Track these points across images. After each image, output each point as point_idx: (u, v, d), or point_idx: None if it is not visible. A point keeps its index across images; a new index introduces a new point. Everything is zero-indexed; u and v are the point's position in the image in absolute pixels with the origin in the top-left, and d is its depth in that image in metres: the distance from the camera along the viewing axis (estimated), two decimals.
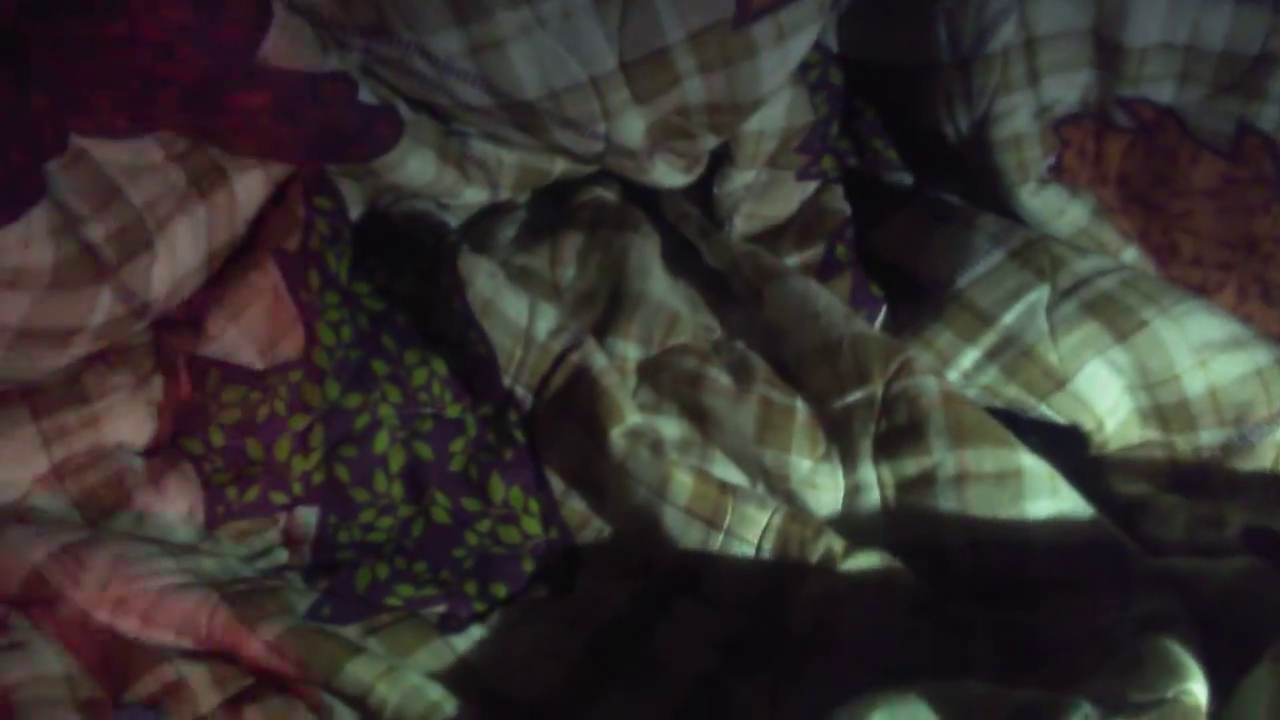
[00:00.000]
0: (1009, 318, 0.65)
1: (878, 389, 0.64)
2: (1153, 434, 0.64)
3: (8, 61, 0.50)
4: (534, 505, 0.66)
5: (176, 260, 0.61)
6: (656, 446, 0.63)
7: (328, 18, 0.57)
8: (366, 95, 0.61)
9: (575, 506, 0.66)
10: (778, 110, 0.70)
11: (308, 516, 0.63)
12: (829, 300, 0.67)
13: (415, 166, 0.65)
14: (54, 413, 0.60)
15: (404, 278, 0.69)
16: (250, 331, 0.64)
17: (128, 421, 0.62)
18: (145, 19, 0.51)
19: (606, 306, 0.70)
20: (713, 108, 0.65)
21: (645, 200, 0.76)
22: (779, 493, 0.65)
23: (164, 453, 0.62)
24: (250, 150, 0.63)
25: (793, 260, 0.72)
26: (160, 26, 0.51)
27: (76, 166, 0.56)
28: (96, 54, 0.52)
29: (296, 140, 0.60)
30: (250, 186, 0.65)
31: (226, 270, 0.65)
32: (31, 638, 0.55)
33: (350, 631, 0.56)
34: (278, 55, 0.55)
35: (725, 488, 0.62)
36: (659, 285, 0.71)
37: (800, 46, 0.64)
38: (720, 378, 0.67)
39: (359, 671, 0.54)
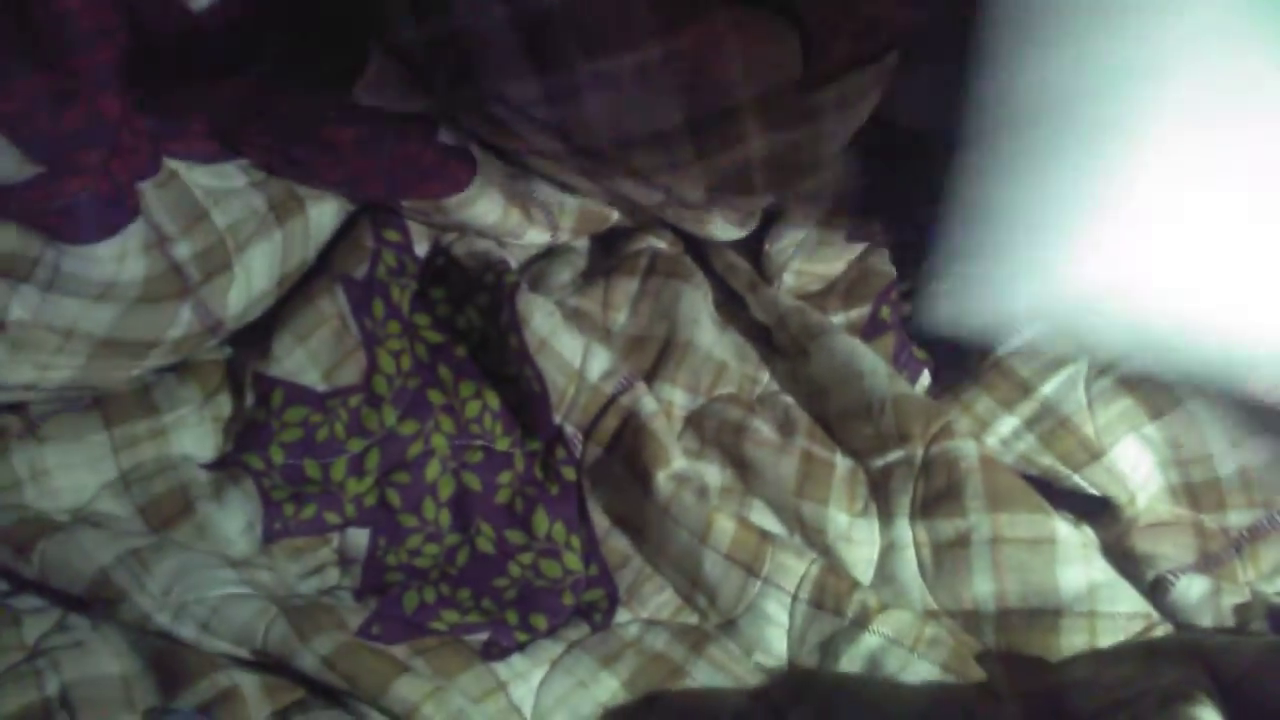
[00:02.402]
0: (1048, 388, 0.66)
1: (918, 450, 0.65)
2: (1182, 511, 0.66)
3: (126, 83, 0.53)
4: (575, 541, 0.68)
5: (252, 282, 0.63)
6: (701, 492, 0.64)
7: (417, 61, 0.60)
8: (445, 136, 0.63)
9: (616, 545, 0.68)
10: (832, 171, 0.72)
11: (359, 538, 0.65)
12: (873, 360, 0.69)
13: (484, 206, 0.67)
14: (124, 422, 0.62)
15: (463, 312, 0.71)
16: (315, 354, 0.66)
17: (194, 434, 0.64)
18: None
19: (657, 353, 0.72)
20: (774, 166, 0.67)
21: (696, 251, 0.78)
22: (815, 545, 0.66)
23: (227, 467, 0.64)
24: (330, 181, 0.65)
25: (839, 318, 0.74)
26: None
27: (168, 187, 0.59)
28: (204, 80, 0.55)
29: (376, 174, 0.62)
30: (323, 215, 0.68)
31: (296, 294, 0.68)
32: (90, 638, 0.57)
33: (398, 651, 0.58)
34: (369, 94, 0.58)
35: (765, 536, 0.64)
36: (708, 335, 0.72)
37: (861, 112, 0.67)
38: (764, 429, 0.69)
39: (406, 690, 0.55)
